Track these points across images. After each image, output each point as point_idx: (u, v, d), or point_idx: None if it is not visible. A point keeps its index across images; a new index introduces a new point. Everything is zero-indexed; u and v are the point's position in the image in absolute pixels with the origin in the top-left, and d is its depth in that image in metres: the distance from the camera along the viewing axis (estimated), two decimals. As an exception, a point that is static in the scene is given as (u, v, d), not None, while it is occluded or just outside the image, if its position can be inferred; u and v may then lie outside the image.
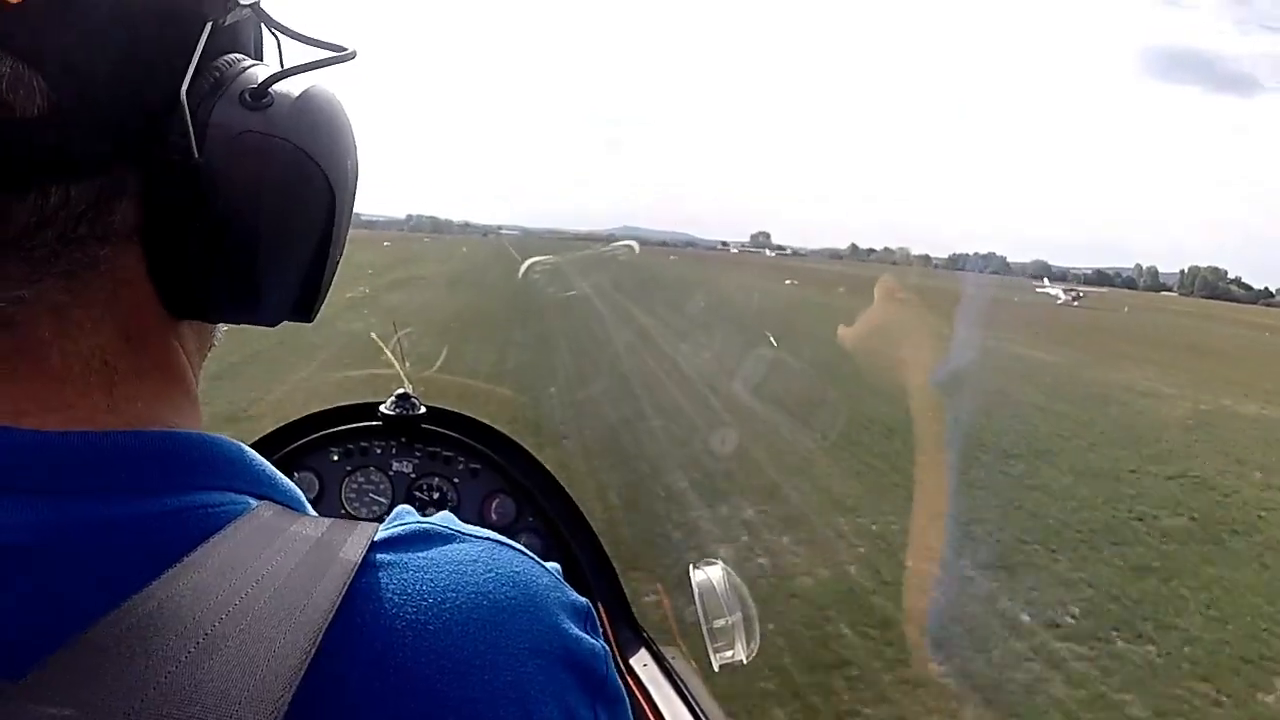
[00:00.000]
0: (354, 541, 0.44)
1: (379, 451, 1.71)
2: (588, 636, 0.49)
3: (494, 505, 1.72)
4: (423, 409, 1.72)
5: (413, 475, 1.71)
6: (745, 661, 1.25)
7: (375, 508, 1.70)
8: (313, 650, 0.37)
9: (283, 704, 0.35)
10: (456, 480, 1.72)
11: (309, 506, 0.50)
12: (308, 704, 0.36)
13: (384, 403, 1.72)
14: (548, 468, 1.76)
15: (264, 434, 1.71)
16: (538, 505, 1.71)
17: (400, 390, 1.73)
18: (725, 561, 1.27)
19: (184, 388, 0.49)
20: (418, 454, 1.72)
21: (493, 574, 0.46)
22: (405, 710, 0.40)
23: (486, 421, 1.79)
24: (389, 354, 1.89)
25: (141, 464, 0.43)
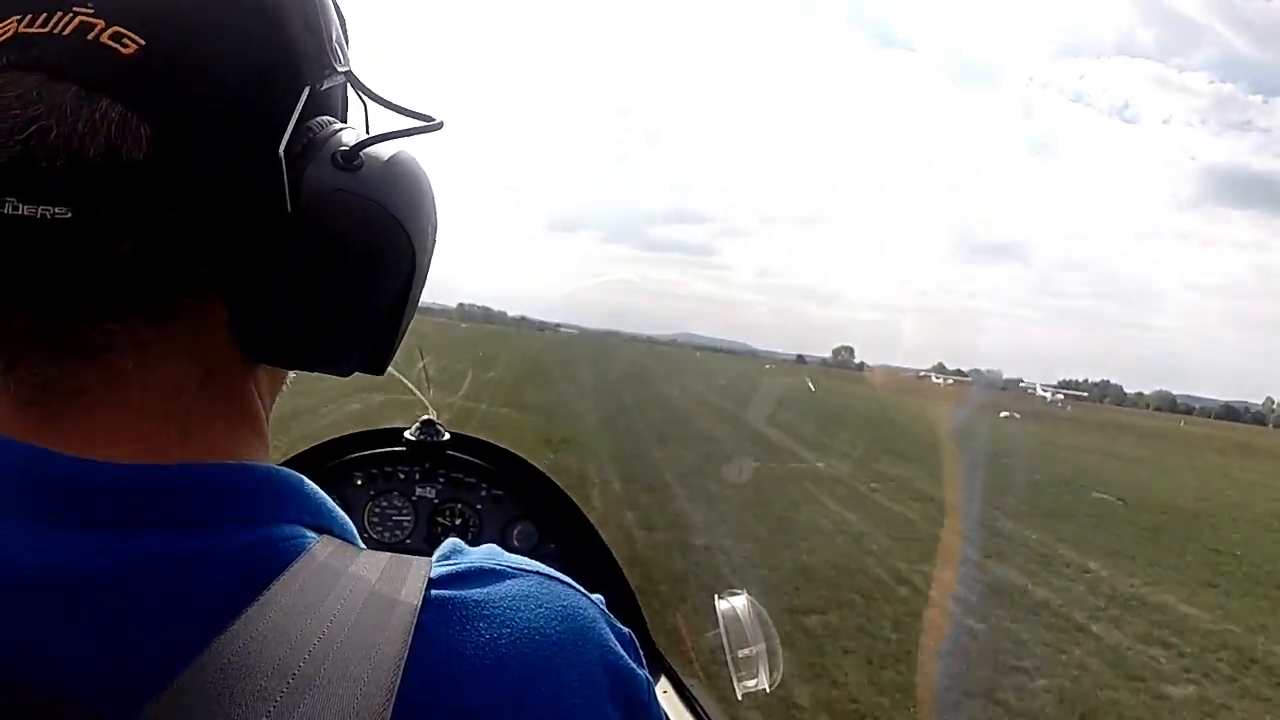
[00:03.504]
0: (412, 579, 0.45)
1: (403, 477, 1.73)
2: (632, 666, 0.50)
3: (516, 532, 1.73)
4: (447, 435, 1.73)
5: (436, 501, 1.73)
6: (768, 690, 1.26)
7: (398, 532, 1.71)
8: (394, 690, 0.39)
9: None
10: (479, 506, 1.73)
11: (359, 538, 0.52)
12: None
13: (409, 428, 1.74)
14: (569, 495, 1.77)
15: (290, 456, 1.73)
16: (559, 532, 1.72)
17: (425, 416, 1.75)
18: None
19: (255, 426, 0.52)
20: (441, 480, 1.73)
21: (544, 609, 0.47)
22: None
23: (509, 448, 1.81)
24: (408, 383, 1.91)
25: (209, 498, 0.45)
